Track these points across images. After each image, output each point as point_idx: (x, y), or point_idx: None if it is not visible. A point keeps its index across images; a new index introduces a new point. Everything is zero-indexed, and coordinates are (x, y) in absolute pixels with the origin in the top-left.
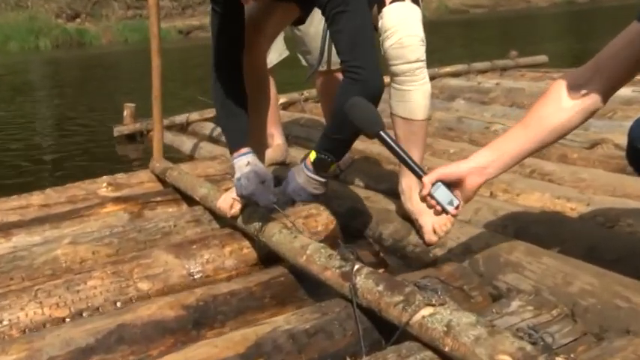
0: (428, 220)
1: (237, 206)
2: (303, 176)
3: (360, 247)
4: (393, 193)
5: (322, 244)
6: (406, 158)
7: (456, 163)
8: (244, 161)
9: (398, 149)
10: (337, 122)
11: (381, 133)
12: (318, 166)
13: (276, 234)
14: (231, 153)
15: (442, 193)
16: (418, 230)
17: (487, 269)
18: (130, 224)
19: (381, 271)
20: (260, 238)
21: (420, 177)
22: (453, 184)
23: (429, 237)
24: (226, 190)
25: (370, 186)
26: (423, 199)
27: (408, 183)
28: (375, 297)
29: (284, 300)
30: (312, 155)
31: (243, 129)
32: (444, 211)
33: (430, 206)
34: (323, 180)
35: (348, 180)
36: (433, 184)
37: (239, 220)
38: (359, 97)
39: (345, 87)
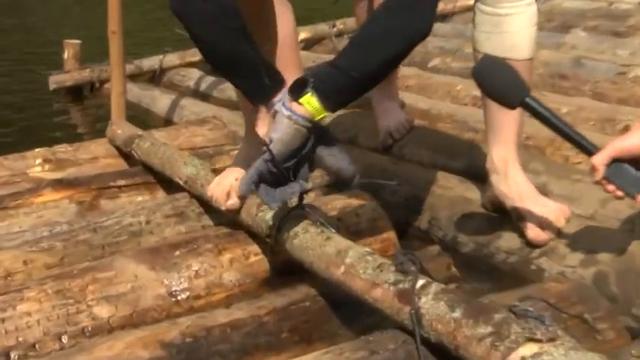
0: (534, 211)
1: (238, 197)
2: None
3: (425, 253)
4: (474, 174)
5: (368, 249)
6: (569, 131)
7: (637, 133)
8: (285, 112)
9: (555, 119)
10: (361, 55)
11: (528, 99)
12: (294, 91)
13: (299, 234)
14: (268, 99)
15: (623, 173)
16: (516, 225)
17: (622, 290)
18: (80, 220)
19: (453, 286)
20: (275, 241)
21: (591, 154)
22: (633, 162)
23: (536, 235)
24: (221, 170)
25: (439, 164)
26: (597, 183)
27: (501, 155)
28: (448, 328)
29: (310, 335)
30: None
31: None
32: (629, 195)
33: (608, 191)
34: (287, 114)
35: (406, 155)
36: (609, 165)
37: (242, 214)
38: (489, 55)
39: (386, 11)
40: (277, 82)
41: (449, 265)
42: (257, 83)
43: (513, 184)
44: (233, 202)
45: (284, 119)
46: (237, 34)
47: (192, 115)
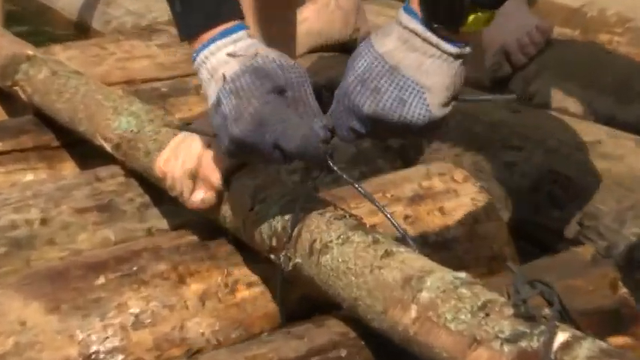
0: None
1: (217, 178)
2: (399, 39)
3: (569, 261)
4: None
5: (462, 275)
6: None
7: None
8: (238, 50)
9: None
10: None
11: None
12: (440, 15)
13: (333, 244)
14: (195, 37)
15: None
16: None
17: None
18: None
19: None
20: (287, 259)
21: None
22: None
23: None
24: (186, 126)
25: (599, 114)
26: None
27: None
28: None
29: None
30: None
31: None
32: None
33: None
34: (455, 51)
35: (537, 96)
36: None
37: (223, 211)
38: None
39: None
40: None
41: (614, 283)
42: None
43: None
44: (204, 192)
45: (441, 62)
46: None
47: (128, 19)
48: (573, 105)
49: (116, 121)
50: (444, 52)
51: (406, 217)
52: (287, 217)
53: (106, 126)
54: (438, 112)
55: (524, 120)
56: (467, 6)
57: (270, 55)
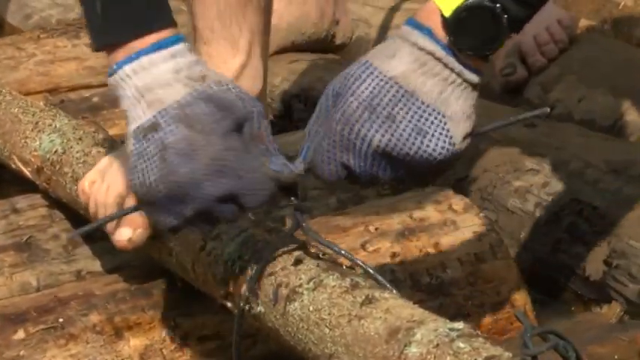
0: None
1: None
2: (413, 62)
3: (589, 320)
4: None
5: (458, 326)
6: None
7: None
8: (179, 67)
9: None
10: None
11: None
12: (473, 40)
13: (303, 289)
14: (116, 46)
15: None
16: None
17: None
18: None
19: None
20: (247, 305)
21: None
22: None
23: None
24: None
25: (631, 129)
26: None
27: None
28: None
29: None
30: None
31: None
32: None
33: None
34: (476, 80)
35: (558, 105)
36: None
37: (168, 252)
38: None
39: None
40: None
41: None
42: None
43: None
44: (131, 229)
45: (461, 90)
46: None
47: (53, 12)
48: (602, 118)
49: (37, 141)
50: (465, 80)
51: (394, 255)
52: (246, 256)
53: (25, 146)
54: (461, 144)
55: (541, 136)
56: (504, 30)
57: (222, 80)
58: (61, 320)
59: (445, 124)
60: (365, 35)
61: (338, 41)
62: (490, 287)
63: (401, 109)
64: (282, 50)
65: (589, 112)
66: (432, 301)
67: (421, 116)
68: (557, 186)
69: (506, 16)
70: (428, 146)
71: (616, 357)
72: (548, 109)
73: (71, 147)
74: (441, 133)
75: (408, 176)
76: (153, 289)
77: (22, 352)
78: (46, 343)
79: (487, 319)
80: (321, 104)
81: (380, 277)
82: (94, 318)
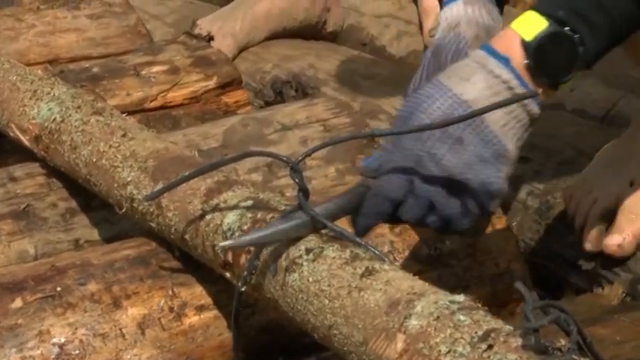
0: None
1: None
2: (487, 89)
3: (593, 299)
4: None
5: (459, 297)
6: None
7: None
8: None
9: None
10: None
11: None
12: (542, 61)
13: (302, 260)
14: None
15: None
16: None
17: None
18: None
19: None
20: (245, 279)
21: None
22: None
23: None
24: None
25: (625, 117)
26: None
27: None
28: None
29: None
30: (530, 22)
31: None
32: None
33: None
34: (538, 114)
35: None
36: None
37: (167, 221)
38: None
39: None
40: None
41: None
42: None
43: None
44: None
45: (522, 125)
46: None
47: None
48: (593, 107)
49: (35, 109)
50: (529, 113)
51: (393, 227)
52: (246, 225)
53: (23, 114)
54: (505, 184)
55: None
56: (579, 61)
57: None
58: (58, 289)
59: (502, 156)
60: (356, 23)
61: (329, 29)
62: (489, 258)
63: (470, 133)
64: (274, 36)
65: (581, 102)
66: (431, 272)
67: (486, 143)
68: (549, 174)
69: (582, 47)
70: (487, 176)
71: (618, 338)
72: (540, 90)
73: (70, 115)
74: (496, 167)
75: (462, 207)
76: (151, 259)
77: (19, 321)
78: (43, 312)
79: (486, 291)
80: (395, 120)
81: (371, 247)
82: (92, 287)
